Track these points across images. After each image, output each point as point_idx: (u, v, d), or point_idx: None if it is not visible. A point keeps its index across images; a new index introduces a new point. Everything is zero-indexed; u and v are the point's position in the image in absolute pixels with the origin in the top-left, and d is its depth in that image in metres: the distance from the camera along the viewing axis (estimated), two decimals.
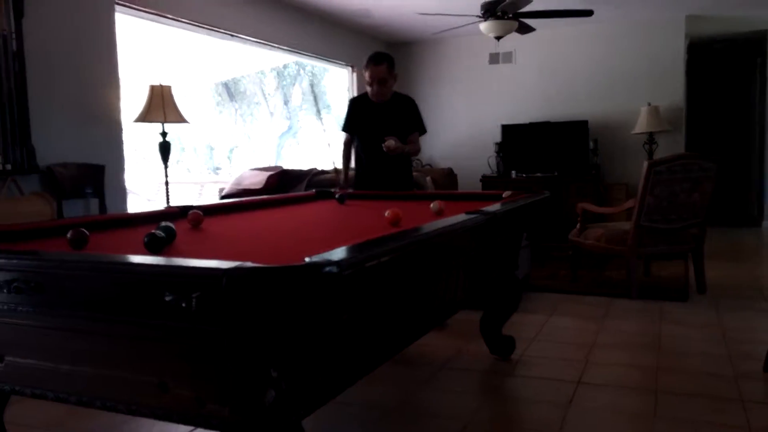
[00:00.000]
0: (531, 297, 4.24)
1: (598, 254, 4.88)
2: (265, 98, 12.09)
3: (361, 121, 3.87)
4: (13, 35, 3.46)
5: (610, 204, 6.44)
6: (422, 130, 3.93)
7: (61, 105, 3.83)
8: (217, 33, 5.26)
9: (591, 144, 7.00)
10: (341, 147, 4.02)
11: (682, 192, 4.23)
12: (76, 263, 1.28)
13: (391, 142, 3.60)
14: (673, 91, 6.99)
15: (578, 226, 4.76)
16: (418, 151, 3.98)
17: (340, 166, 4.12)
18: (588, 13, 5.47)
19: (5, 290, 1.19)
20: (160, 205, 3.82)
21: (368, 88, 3.76)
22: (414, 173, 4.96)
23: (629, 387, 2.73)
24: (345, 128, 3.95)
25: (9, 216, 2.99)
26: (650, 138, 6.84)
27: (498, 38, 5.66)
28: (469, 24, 5.75)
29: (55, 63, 3.79)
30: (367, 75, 3.73)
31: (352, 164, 4.01)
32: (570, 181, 6.78)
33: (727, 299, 4.19)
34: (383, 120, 3.75)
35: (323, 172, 5.25)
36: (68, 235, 1.56)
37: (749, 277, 4.90)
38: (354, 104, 3.95)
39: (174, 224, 1.92)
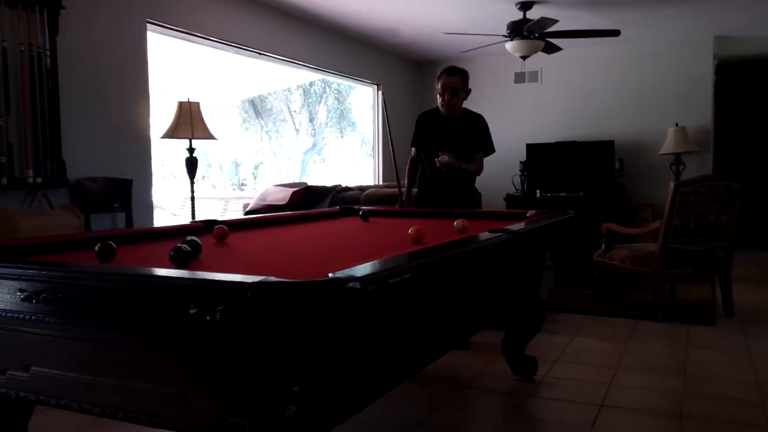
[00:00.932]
0: (554, 318, 4.19)
1: (623, 275, 4.81)
2: (291, 115, 12.21)
3: (427, 136, 3.77)
4: (47, 52, 3.56)
5: (636, 225, 6.35)
6: (488, 150, 3.78)
7: (91, 120, 3.92)
8: (244, 51, 5.35)
9: (617, 164, 6.93)
10: (408, 162, 3.95)
11: (710, 214, 4.16)
12: (104, 275, 1.30)
13: (444, 157, 3.53)
14: (701, 112, 6.90)
15: (603, 246, 4.71)
16: (478, 170, 3.76)
17: (404, 181, 4.00)
18: (615, 33, 5.45)
19: (34, 300, 1.21)
20: (185, 219, 3.88)
21: (438, 100, 3.67)
22: None
23: (653, 411, 2.67)
24: (413, 143, 3.84)
25: (39, 228, 3.06)
26: (677, 159, 6.75)
27: (524, 57, 5.66)
28: (495, 43, 5.77)
29: (87, 79, 3.89)
30: (438, 85, 3.63)
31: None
32: (595, 201, 6.71)
33: (756, 324, 4.08)
34: (450, 136, 3.65)
35: (347, 188, 5.28)
36: (96, 248, 1.60)
37: None
38: (422, 119, 3.84)
39: (199, 238, 1.95)
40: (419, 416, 2.64)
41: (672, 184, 4.16)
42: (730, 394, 2.85)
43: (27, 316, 1.24)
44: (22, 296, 1.23)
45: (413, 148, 3.87)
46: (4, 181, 3.35)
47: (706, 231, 4.19)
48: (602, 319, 4.25)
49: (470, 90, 3.71)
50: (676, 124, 6.68)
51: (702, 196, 4.13)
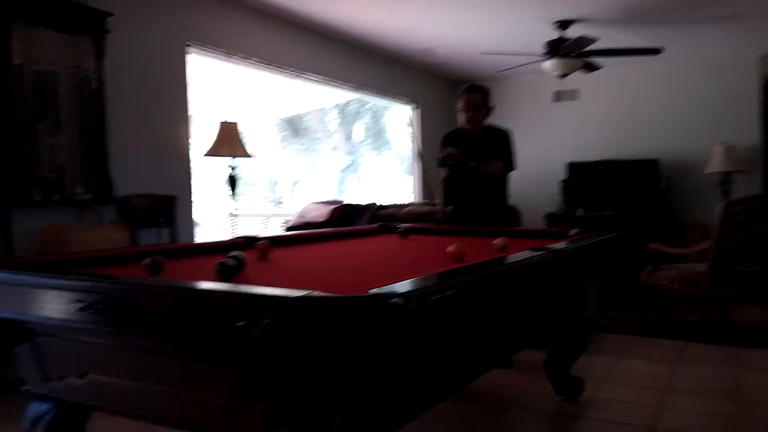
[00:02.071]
0: (600, 338, 4.08)
1: (669, 296, 4.67)
2: (328, 134, 12.36)
3: None
4: (95, 74, 3.70)
5: (683, 245, 6.17)
6: (508, 164, 3.70)
7: (136, 139, 4.04)
8: (282, 71, 5.45)
9: (663, 182, 6.77)
10: (440, 181, 3.92)
11: (760, 234, 4.03)
12: (153, 288, 1.33)
13: (450, 150, 3.57)
14: (748, 131, 6.72)
15: (650, 266, 4.59)
16: (492, 173, 3.63)
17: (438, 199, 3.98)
18: (656, 51, 5.36)
19: (90, 311, 1.24)
20: (227, 236, 3.94)
21: (460, 117, 3.70)
22: None
23: None
24: (439, 164, 3.81)
25: (89, 243, 3.15)
26: (725, 178, 6.56)
27: (562, 77, 5.61)
28: (532, 62, 5.74)
29: (132, 100, 4.02)
30: (460, 103, 3.68)
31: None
32: (640, 220, 6.55)
33: None
34: (474, 151, 3.63)
35: (383, 206, 5.29)
36: (146, 262, 1.63)
37: None
38: (447, 138, 3.83)
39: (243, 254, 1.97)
40: None
41: (722, 204, 4.05)
42: None
43: (83, 326, 1.28)
44: (79, 307, 1.26)
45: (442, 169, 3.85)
46: (56, 197, 3.46)
47: (757, 251, 4.05)
48: (649, 340, 4.13)
49: (493, 106, 3.74)
50: (723, 143, 6.51)
51: (752, 216, 4.01)
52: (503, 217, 3.77)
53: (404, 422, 1.47)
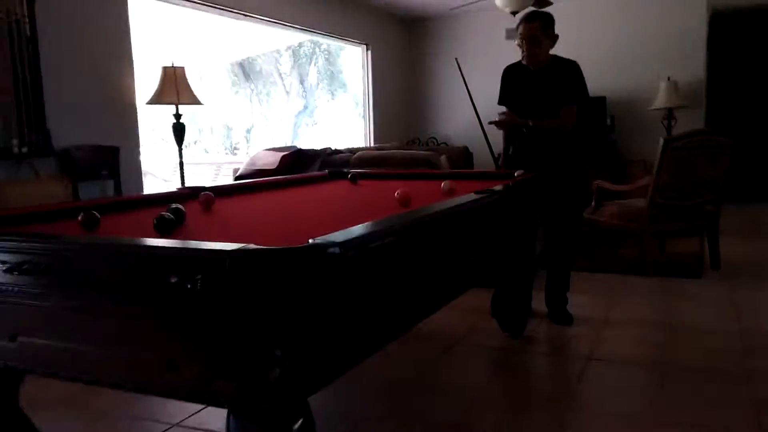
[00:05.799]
0: (544, 275, 4.23)
1: (613, 232, 4.85)
2: (281, 78, 12.07)
3: (514, 92, 3.42)
4: (26, 20, 3.50)
5: (627, 181, 6.36)
6: (579, 100, 3.32)
7: (75, 88, 3.87)
8: (230, 13, 5.25)
9: (608, 120, 6.89)
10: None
11: (699, 168, 4.17)
12: (84, 246, 1.31)
13: (502, 115, 3.33)
14: (694, 66, 6.84)
15: (593, 203, 4.73)
16: (563, 126, 3.28)
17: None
18: None
19: (16, 272, 1.22)
20: (176, 186, 3.87)
21: (520, 51, 3.30)
22: (429, 152, 4.95)
23: (639, 363, 2.74)
24: (501, 101, 3.47)
25: (26, 198, 3.06)
26: (669, 114, 6.72)
27: (514, 13, 5.57)
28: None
29: (68, 46, 3.83)
30: (517, 38, 3.27)
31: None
32: (586, 158, 6.69)
33: (741, 276, 4.15)
34: (537, 89, 3.29)
35: (338, 151, 5.26)
36: (79, 218, 1.60)
37: (765, 254, 4.84)
38: (508, 73, 3.46)
39: (185, 206, 1.96)
40: (410, 374, 2.70)
41: (662, 140, 4.16)
42: (713, 344, 2.92)
43: (10, 288, 1.26)
44: (3, 268, 1.24)
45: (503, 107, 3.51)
46: None
47: (695, 186, 4.21)
48: (592, 275, 4.30)
49: (557, 36, 3.28)
50: (668, 79, 6.63)
51: (691, 151, 4.14)
52: (566, 160, 3.36)
53: (346, 368, 1.52)
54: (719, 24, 7.60)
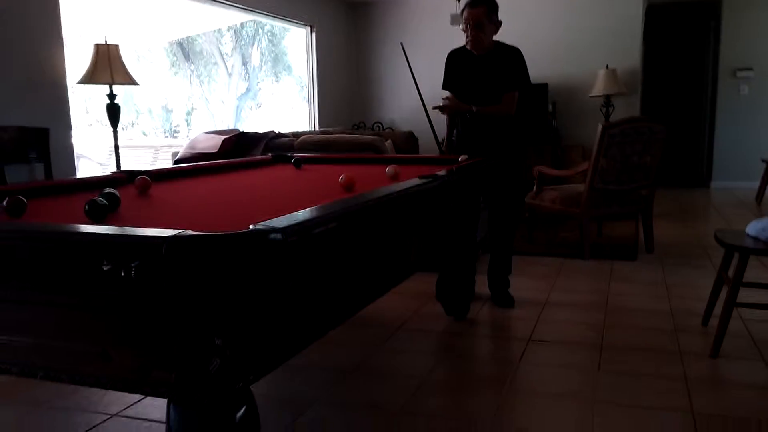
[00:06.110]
0: (487, 259, 4.31)
1: (553, 216, 4.98)
2: (223, 59, 11.76)
3: (457, 76, 3.41)
4: None
5: (568, 166, 6.54)
6: (522, 87, 3.35)
7: (0, 65, 3.65)
8: None
9: (549, 107, 7.04)
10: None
11: (634, 154, 4.32)
12: (10, 233, 1.24)
13: (445, 100, 3.34)
14: (630, 54, 7.06)
15: (535, 188, 4.84)
16: (504, 111, 3.31)
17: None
18: None
19: None
20: (111, 170, 3.72)
21: (464, 36, 3.29)
22: (374, 137, 4.93)
23: (577, 343, 2.83)
24: (444, 85, 3.47)
25: None
26: (607, 101, 6.92)
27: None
28: None
29: None
30: (462, 20, 3.27)
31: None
32: (528, 144, 6.83)
33: (673, 257, 4.34)
34: (480, 75, 3.30)
35: (281, 135, 5.17)
36: (3, 203, 1.51)
37: (695, 236, 5.08)
38: (452, 58, 3.45)
39: (119, 191, 1.88)
40: (355, 360, 2.70)
41: (600, 126, 4.28)
42: (646, 323, 3.05)
43: None
44: None
45: (447, 92, 3.52)
46: None
47: (631, 171, 4.36)
48: (533, 259, 4.41)
49: (501, 22, 3.29)
50: (607, 66, 6.82)
51: (627, 138, 4.28)
52: (513, 146, 3.43)
53: (289, 355, 1.50)
54: (654, 15, 7.87)
